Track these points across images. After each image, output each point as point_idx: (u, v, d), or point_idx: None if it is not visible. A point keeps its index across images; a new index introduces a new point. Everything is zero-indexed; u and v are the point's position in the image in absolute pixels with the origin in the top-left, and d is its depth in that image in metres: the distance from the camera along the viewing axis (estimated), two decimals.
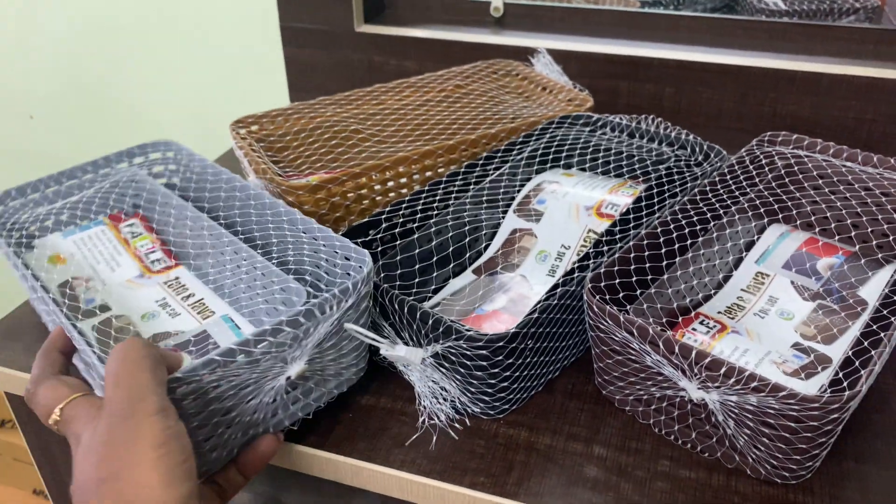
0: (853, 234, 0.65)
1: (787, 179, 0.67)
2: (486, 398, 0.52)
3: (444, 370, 0.52)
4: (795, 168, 0.68)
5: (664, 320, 0.57)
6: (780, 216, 0.67)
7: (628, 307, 0.54)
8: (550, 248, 0.64)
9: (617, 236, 0.58)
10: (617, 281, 0.53)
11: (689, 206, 0.61)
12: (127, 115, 1.30)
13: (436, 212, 0.64)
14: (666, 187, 0.64)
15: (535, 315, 0.50)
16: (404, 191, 0.71)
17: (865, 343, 0.49)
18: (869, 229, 0.64)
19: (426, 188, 0.65)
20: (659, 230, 0.57)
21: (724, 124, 0.94)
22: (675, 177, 0.66)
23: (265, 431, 0.48)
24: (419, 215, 0.63)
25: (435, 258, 0.62)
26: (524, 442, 0.52)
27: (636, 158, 0.71)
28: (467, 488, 0.48)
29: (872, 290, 0.58)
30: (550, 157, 0.72)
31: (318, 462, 0.52)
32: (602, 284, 0.52)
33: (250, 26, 1.11)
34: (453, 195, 0.66)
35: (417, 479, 0.49)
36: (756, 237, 0.65)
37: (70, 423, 0.42)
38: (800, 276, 0.61)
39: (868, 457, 0.51)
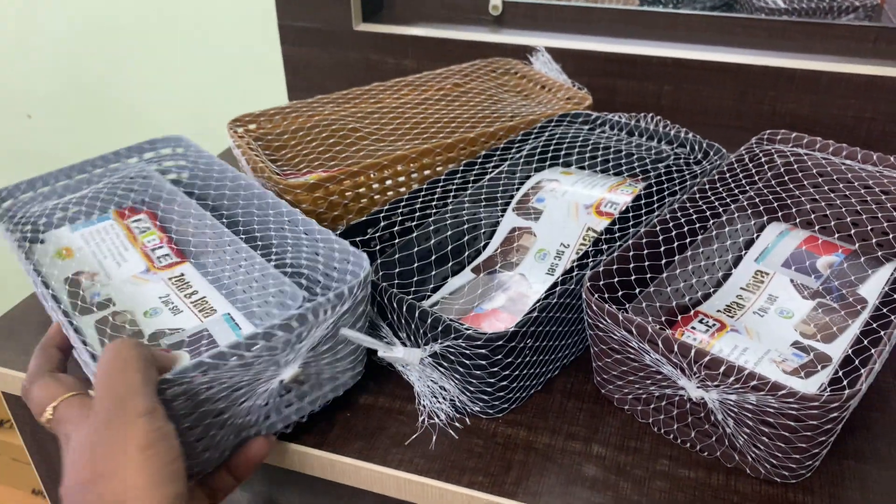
0: (853, 232, 0.65)
1: (786, 178, 0.67)
2: (485, 397, 0.52)
3: (442, 369, 0.52)
4: (795, 166, 0.68)
5: (663, 319, 0.57)
6: (780, 214, 0.66)
7: (627, 306, 0.54)
8: (549, 247, 0.64)
9: (616, 235, 0.58)
10: (616, 279, 0.53)
11: (688, 205, 0.60)
12: (127, 114, 1.30)
13: (434, 210, 0.64)
14: (665, 185, 0.64)
15: (535, 314, 0.50)
16: (403, 189, 0.70)
17: (865, 342, 0.49)
18: (868, 227, 0.64)
19: (425, 187, 0.65)
20: (658, 228, 0.57)
21: (723, 122, 0.94)
22: (675, 175, 0.65)
23: (258, 433, 0.48)
24: (418, 214, 0.63)
25: (433, 257, 0.62)
26: (523, 441, 0.51)
27: (635, 157, 0.71)
28: (465, 488, 0.48)
29: (872, 289, 0.58)
30: (549, 155, 0.72)
31: (316, 462, 0.51)
32: (601, 283, 0.52)
33: (250, 26, 1.11)
34: (452, 194, 0.66)
35: (415, 478, 0.49)
36: (755, 235, 0.65)
37: (61, 422, 0.41)
38: (799, 275, 0.61)
39: (868, 456, 0.50)
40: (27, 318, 0.63)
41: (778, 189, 0.66)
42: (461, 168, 0.67)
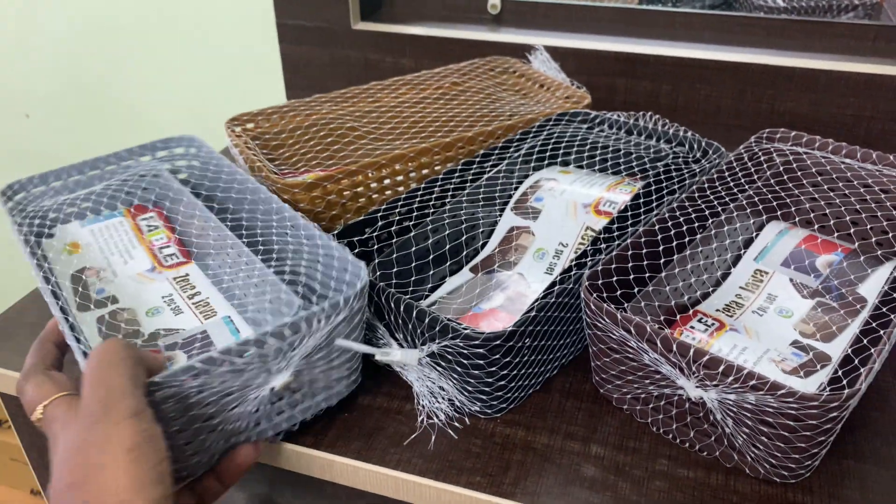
0: (852, 231, 0.65)
1: (785, 176, 0.67)
2: (483, 397, 0.51)
3: (440, 369, 0.51)
4: (794, 165, 0.67)
5: (662, 318, 0.56)
6: (779, 213, 0.66)
7: (626, 305, 0.54)
8: (548, 246, 0.64)
9: (615, 234, 0.58)
10: (615, 279, 0.53)
11: (687, 204, 0.60)
12: (127, 114, 1.30)
13: (432, 210, 0.64)
14: (664, 184, 0.64)
15: (533, 313, 0.50)
16: (400, 188, 0.70)
17: (865, 341, 0.49)
18: (868, 226, 0.64)
19: (423, 186, 0.65)
20: (657, 227, 0.57)
21: (722, 121, 0.94)
22: (673, 174, 0.65)
23: (248, 440, 0.48)
24: (415, 213, 0.62)
25: (431, 256, 0.62)
26: (521, 441, 0.51)
27: (634, 156, 0.71)
28: (464, 488, 0.48)
29: (871, 288, 0.58)
30: (548, 154, 0.72)
31: (314, 462, 0.51)
32: (599, 282, 0.52)
33: (250, 26, 1.11)
34: (450, 193, 0.65)
35: (413, 478, 0.49)
36: (755, 234, 0.65)
37: (51, 422, 0.41)
38: (799, 274, 0.61)
39: (868, 455, 0.50)
40: (24, 319, 0.63)
41: (777, 188, 0.66)
42: (459, 167, 0.67)
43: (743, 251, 0.64)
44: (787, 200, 0.66)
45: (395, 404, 0.54)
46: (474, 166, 0.68)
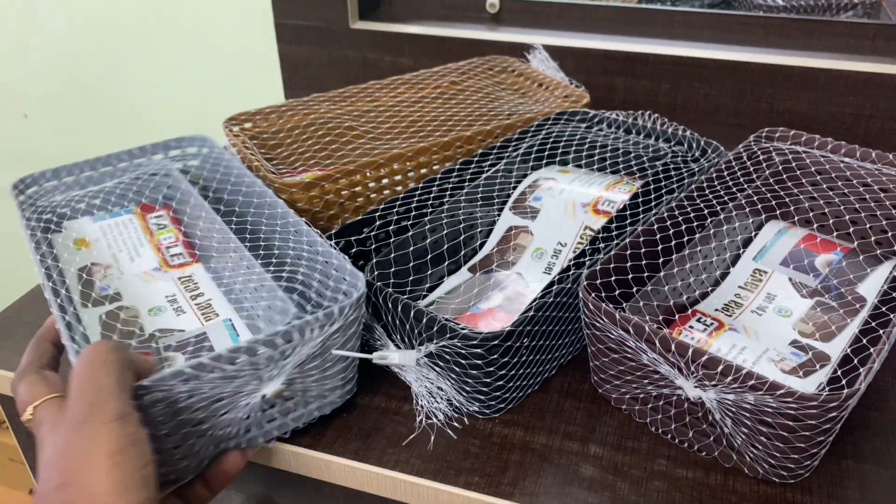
0: (851, 230, 0.65)
1: (784, 175, 0.67)
2: (482, 397, 0.51)
3: (439, 369, 0.51)
4: (793, 164, 0.67)
5: (661, 318, 0.56)
6: (778, 212, 0.66)
7: (624, 305, 0.54)
8: (547, 246, 0.64)
9: (613, 233, 0.58)
10: (613, 278, 0.52)
11: (685, 203, 0.60)
12: (126, 114, 1.30)
13: (430, 209, 0.63)
14: (663, 184, 0.64)
15: (531, 313, 0.49)
16: (399, 188, 0.70)
17: (864, 340, 0.49)
18: (867, 225, 0.64)
19: (421, 185, 0.64)
20: (656, 227, 0.57)
21: (721, 120, 0.94)
22: (672, 173, 0.65)
23: (238, 446, 0.47)
24: (413, 213, 0.62)
25: (429, 256, 0.62)
26: (519, 441, 0.51)
27: (633, 155, 0.71)
28: (462, 488, 0.48)
29: (871, 287, 0.58)
30: (546, 153, 0.72)
31: (312, 462, 0.51)
32: (598, 282, 0.51)
33: (250, 26, 1.11)
34: (448, 192, 0.65)
35: (411, 479, 0.49)
36: (753, 234, 0.65)
37: (40, 425, 0.41)
38: (798, 273, 0.60)
39: (867, 455, 0.50)
40: (22, 318, 0.63)
41: (776, 187, 0.66)
42: (457, 166, 0.67)
43: (742, 250, 0.64)
44: (787, 200, 0.66)
45: (393, 404, 0.54)
46: (472, 165, 0.68)
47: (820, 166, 0.66)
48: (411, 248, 0.60)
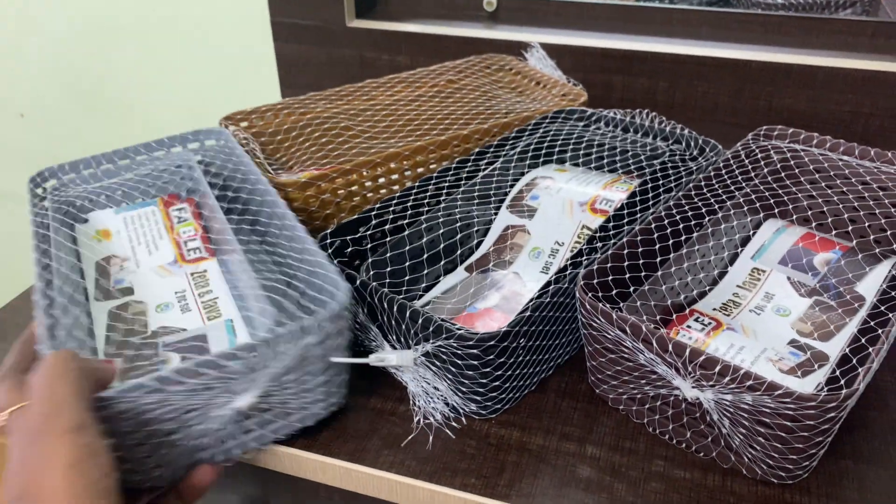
0: (850, 229, 0.65)
1: (783, 174, 0.66)
2: (478, 398, 0.51)
3: (435, 370, 0.51)
4: (792, 162, 0.67)
5: (658, 318, 0.56)
6: (777, 211, 0.66)
7: (622, 304, 0.53)
8: (544, 245, 0.64)
9: (611, 232, 0.58)
10: (610, 278, 0.52)
11: (683, 202, 0.60)
12: (126, 114, 1.29)
13: (427, 208, 0.63)
14: (661, 182, 0.63)
15: (528, 313, 0.49)
16: (395, 187, 0.70)
17: (863, 340, 0.49)
18: (866, 224, 0.64)
19: (417, 184, 0.64)
20: (653, 226, 0.57)
21: (719, 118, 0.93)
22: (670, 172, 0.65)
23: (214, 457, 0.46)
24: (410, 212, 0.62)
25: (426, 255, 0.62)
26: (516, 442, 0.51)
27: (630, 153, 0.70)
28: (458, 490, 0.48)
29: (870, 286, 0.58)
30: (543, 152, 0.71)
31: (307, 464, 0.51)
32: (595, 281, 0.51)
33: (250, 26, 1.11)
34: (444, 191, 0.65)
35: (407, 480, 0.48)
36: (752, 232, 0.64)
37: (10, 433, 0.40)
38: (796, 272, 0.60)
39: (866, 456, 0.50)
40: (15, 319, 0.63)
41: (774, 185, 0.66)
42: (454, 165, 0.67)
43: (740, 249, 0.63)
44: (785, 198, 0.66)
45: (389, 405, 0.54)
46: (469, 164, 0.67)
47: (818, 164, 0.66)
48: (407, 248, 0.60)
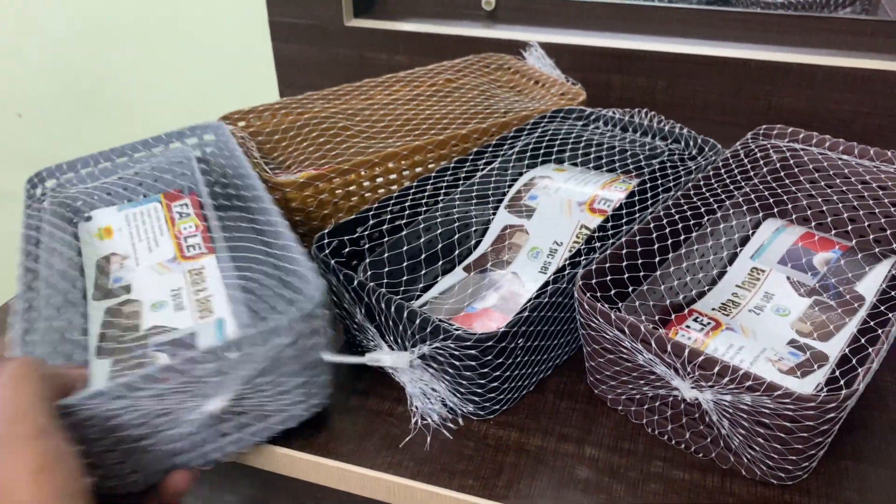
0: (850, 228, 0.64)
1: (782, 173, 0.66)
2: (476, 399, 0.51)
3: (433, 370, 0.51)
4: (791, 162, 0.67)
5: (657, 318, 0.56)
6: (776, 210, 0.66)
7: (620, 304, 0.53)
8: (542, 245, 0.63)
9: (609, 232, 0.57)
10: (609, 278, 0.52)
11: (682, 201, 0.60)
12: (126, 114, 1.29)
13: (425, 208, 0.63)
14: (659, 182, 0.63)
15: (526, 313, 0.49)
16: (393, 187, 0.69)
17: (863, 340, 0.48)
18: (866, 223, 0.63)
19: (415, 184, 0.64)
20: (652, 226, 0.56)
21: (718, 118, 0.93)
22: (669, 171, 0.64)
23: (191, 461, 0.46)
24: (408, 212, 0.62)
25: (423, 255, 0.61)
26: (514, 443, 0.51)
27: (629, 153, 0.70)
28: (455, 491, 0.47)
29: (870, 286, 0.57)
30: (542, 151, 0.71)
31: (303, 465, 0.50)
32: (593, 281, 0.51)
33: (249, 26, 1.10)
34: (443, 191, 0.64)
35: (404, 482, 0.48)
36: (751, 232, 0.64)
37: None
38: (796, 272, 0.60)
39: (866, 456, 0.50)
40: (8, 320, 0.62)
41: (774, 185, 0.65)
42: (452, 165, 0.66)
43: (739, 249, 0.63)
44: (784, 197, 0.65)
45: (387, 406, 0.53)
46: (468, 164, 0.67)
47: (818, 164, 0.66)
48: (405, 248, 0.60)
